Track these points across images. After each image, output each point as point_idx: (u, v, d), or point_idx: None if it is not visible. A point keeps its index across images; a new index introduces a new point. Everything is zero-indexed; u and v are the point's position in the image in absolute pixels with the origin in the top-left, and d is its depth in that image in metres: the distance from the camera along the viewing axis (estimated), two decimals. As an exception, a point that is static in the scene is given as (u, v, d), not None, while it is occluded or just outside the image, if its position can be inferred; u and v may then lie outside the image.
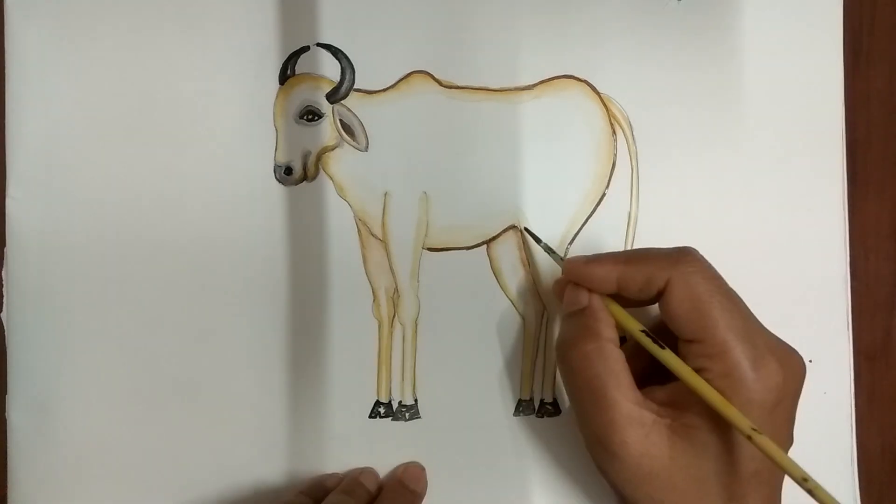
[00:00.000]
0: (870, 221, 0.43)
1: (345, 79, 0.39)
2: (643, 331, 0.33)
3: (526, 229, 0.40)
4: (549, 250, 0.39)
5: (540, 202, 0.40)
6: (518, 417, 0.40)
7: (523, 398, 0.40)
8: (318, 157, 0.39)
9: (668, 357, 0.32)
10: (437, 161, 0.40)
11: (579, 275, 0.35)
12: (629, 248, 0.41)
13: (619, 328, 0.34)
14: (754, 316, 0.33)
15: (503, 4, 0.40)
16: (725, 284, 0.33)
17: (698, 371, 0.31)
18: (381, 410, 0.40)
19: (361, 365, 0.40)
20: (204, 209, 0.39)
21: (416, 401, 0.40)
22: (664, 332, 0.33)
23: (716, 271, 0.33)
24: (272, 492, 0.39)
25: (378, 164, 0.40)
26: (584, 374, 0.33)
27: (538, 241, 0.39)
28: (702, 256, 0.33)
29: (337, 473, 0.39)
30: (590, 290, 0.35)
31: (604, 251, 0.40)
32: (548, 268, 0.40)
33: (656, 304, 0.34)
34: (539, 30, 0.40)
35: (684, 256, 0.33)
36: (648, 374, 0.34)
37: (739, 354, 0.31)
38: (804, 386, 0.38)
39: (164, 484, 0.39)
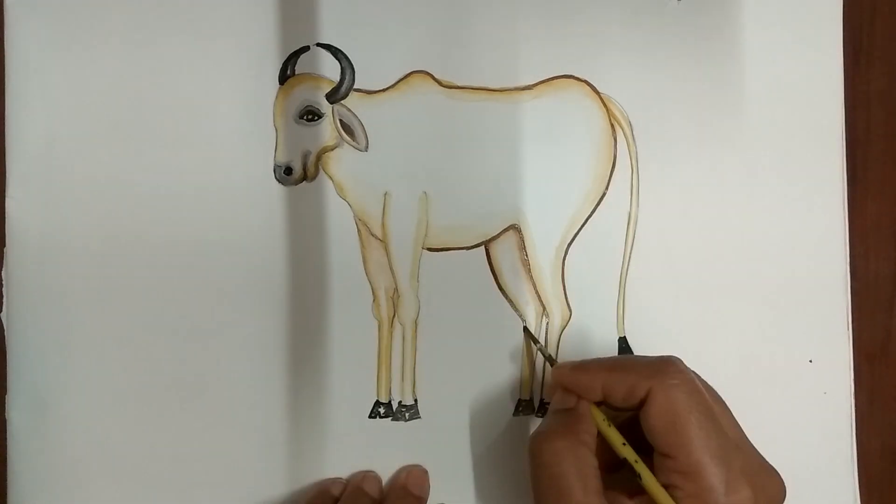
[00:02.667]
0: (870, 221, 0.43)
1: (345, 79, 0.39)
2: (625, 444, 0.33)
3: (525, 329, 0.40)
4: (544, 354, 0.39)
5: (540, 202, 0.40)
6: (518, 417, 0.40)
7: (523, 398, 0.40)
8: (318, 157, 0.39)
9: (645, 475, 0.31)
10: (437, 161, 0.40)
11: (566, 381, 0.34)
12: (629, 248, 0.41)
13: (602, 437, 0.34)
14: (737, 432, 0.32)
15: (503, 4, 0.40)
16: (707, 399, 0.32)
17: (669, 487, 0.31)
18: (381, 410, 0.40)
19: (361, 365, 0.40)
20: (204, 209, 0.39)
21: (416, 401, 0.40)
22: (642, 439, 0.33)
23: (698, 384, 0.32)
24: (272, 492, 0.39)
25: (378, 164, 0.40)
26: (553, 469, 0.31)
27: (535, 341, 0.40)
28: (685, 367, 0.33)
29: (340, 479, 0.39)
30: (578, 396, 0.34)
31: (604, 251, 0.40)
32: (548, 268, 0.40)
33: None
34: (539, 30, 0.40)
35: (667, 367, 0.32)
36: (615, 470, 0.33)
37: (713, 477, 0.30)
38: (805, 386, 0.38)
39: (164, 484, 0.39)
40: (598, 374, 0.33)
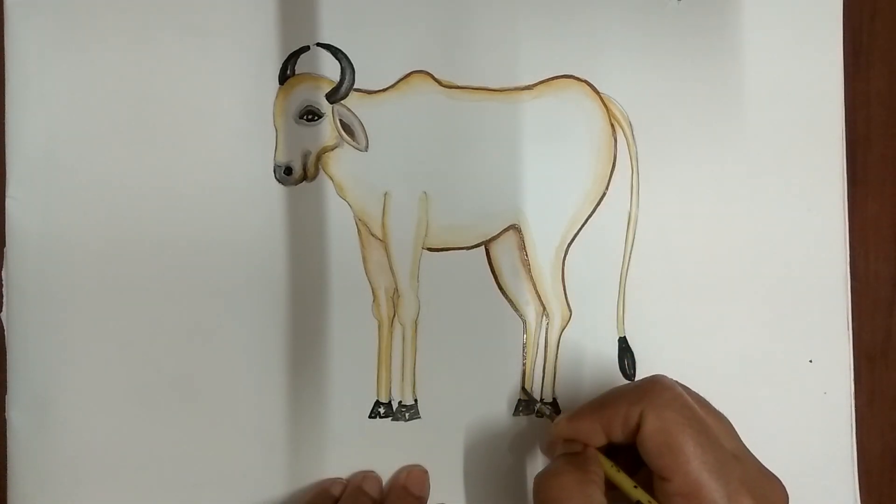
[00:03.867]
0: (870, 221, 0.43)
1: (345, 79, 0.39)
2: (636, 487, 0.32)
3: (523, 388, 0.40)
4: (545, 413, 0.39)
5: (540, 202, 0.40)
6: (518, 417, 0.40)
7: (523, 398, 0.40)
8: (318, 157, 0.39)
9: None
10: (437, 161, 0.40)
11: (567, 434, 0.34)
12: (629, 248, 0.41)
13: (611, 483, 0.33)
14: (733, 441, 0.32)
15: (503, 4, 0.40)
16: (698, 412, 0.31)
17: None
18: (381, 410, 0.40)
19: (361, 365, 0.40)
20: (204, 209, 0.39)
21: (416, 401, 0.40)
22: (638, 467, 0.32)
23: (687, 399, 0.32)
24: (272, 492, 0.39)
25: (378, 164, 0.40)
26: None
27: (535, 401, 0.40)
28: (672, 383, 0.32)
29: (340, 479, 0.39)
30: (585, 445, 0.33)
31: (604, 251, 0.40)
32: (548, 268, 0.40)
33: None
34: (539, 30, 0.40)
35: (653, 387, 0.32)
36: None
37: (713, 493, 0.29)
38: (805, 386, 0.38)
39: (164, 484, 0.39)
40: (592, 416, 0.33)
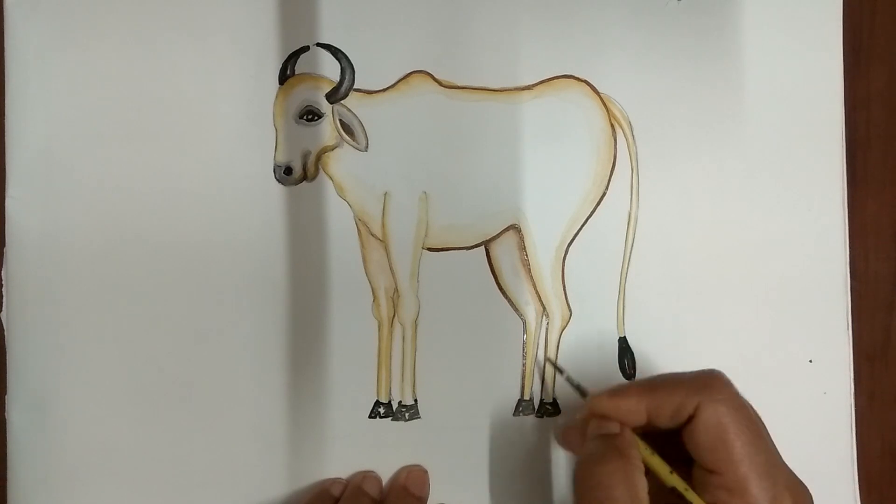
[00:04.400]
0: (870, 221, 0.43)
1: (345, 79, 0.39)
2: (672, 472, 0.32)
3: (548, 359, 0.40)
4: (573, 384, 0.38)
5: (540, 202, 0.40)
6: (518, 417, 0.40)
7: (523, 398, 0.40)
8: (318, 157, 0.39)
9: (695, 501, 0.31)
10: (437, 161, 0.40)
11: (606, 410, 0.33)
12: (629, 248, 0.41)
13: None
14: (775, 447, 0.32)
15: (503, 4, 0.40)
16: (752, 414, 0.32)
17: None
18: (381, 410, 0.40)
19: (361, 365, 0.40)
20: (204, 209, 0.39)
21: (415, 401, 0.40)
22: (672, 452, 0.32)
23: (743, 399, 0.32)
24: (272, 492, 0.39)
25: (378, 164, 0.40)
26: (606, 493, 0.30)
27: (561, 371, 0.39)
28: (730, 381, 0.33)
29: (340, 479, 0.39)
30: (621, 423, 0.33)
31: (604, 251, 0.40)
32: (548, 268, 0.40)
33: None
34: (539, 30, 0.40)
35: (713, 381, 0.32)
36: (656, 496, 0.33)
37: (760, 492, 0.30)
38: (805, 386, 0.38)
39: (164, 484, 0.39)
40: (640, 397, 0.33)
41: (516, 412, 0.40)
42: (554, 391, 0.41)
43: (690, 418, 0.32)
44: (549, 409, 0.40)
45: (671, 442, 0.33)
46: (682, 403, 0.32)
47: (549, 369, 0.40)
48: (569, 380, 0.38)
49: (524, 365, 0.40)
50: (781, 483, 0.31)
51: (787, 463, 0.33)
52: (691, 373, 0.33)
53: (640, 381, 0.35)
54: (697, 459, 0.31)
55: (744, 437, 0.31)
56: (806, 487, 0.32)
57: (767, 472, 0.30)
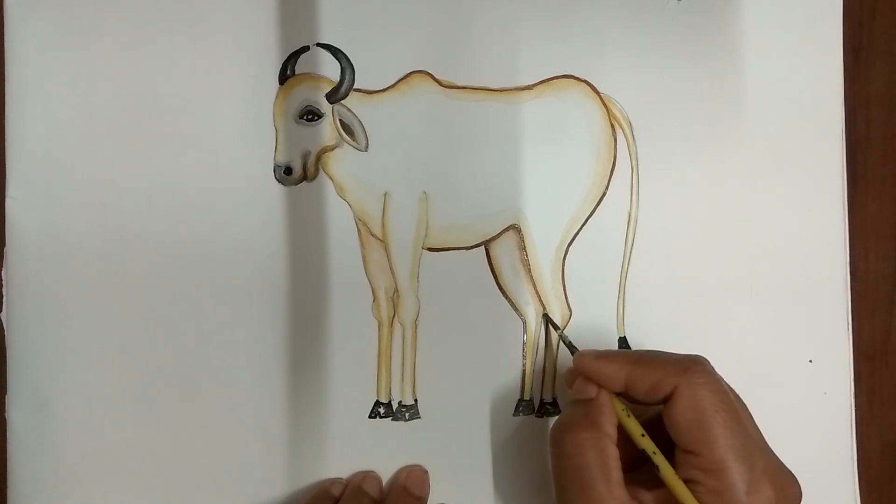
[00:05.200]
0: (870, 221, 0.43)
1: (345, 79, 0.39)
2: (644, 435, 0.33)
3: (545, 315, 0.40)
4: (565, 341, 0.39)
5: (540, 202, 0.40)
6: (518, 417, 0.40)
7: (523, 398, 0.40)
8: (318, 157, 0.39)
9: (663, 466, 0.32)
10: (437, 161, 0.40)
11: (588, 369, 0.34)
12: (629, 248, 0.41)
13: (622, 427, 0.34)
14: (758, 434, 0.33)
15: (503, 4, 0.40)
16: (732, 399, 0.32)
17: (690, 483, 0.31)
18: (381, 410, 0.40)
19: (361, 365, 0.40)
20: (204, 209, 0.39)
21: (416, 401, 0.40)
22: (663, 435, 0.33)
23: (724, 384, 0.33)
24: (272, 492, 0.39)
25: (378, 164, 0.40)
26: (575, 461, 0.32)
27: (556, 328, 0.40)
28: (712, 367, 0.33)
29: (340, 479, 0.39)
30: (599, 385, 0.34)
31: (604, 251, 0.41)
32: (548, 268, 0.40)
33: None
34: (539, 30, 0.40)
35: (694, 366, 0.33)
36: (635, 464, 0.34)
37: (735, 475, 0.30)
38: (805, 386, 0.38)
39: (164, 484, 0.39)
40: (622, 365, 0.34)
41: (516, 412, 0.40)
42: (554, 391, 0.41)
43: (667, 399, 0.32)
44: (549, 409, 0.40)
45: (661, 426, 0.33)
46: (660, 381, 0.32)
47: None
48: (562, 337, 0.39)
49: (524, 365, 0.40)
50: (759, 468, 0.31)
51: (783, 458, 0.33)
52: (676, 355, 0.34)
53: (628, 351, 0.36)
54: (676, 440, 0.32)
55: (721, 420, 0.31)
56: (793, 477, 0.33)
57: (744, 456, 0.31)
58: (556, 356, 0.41)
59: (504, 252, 0.40)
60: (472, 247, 0.40)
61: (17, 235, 0.39)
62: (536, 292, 0.40)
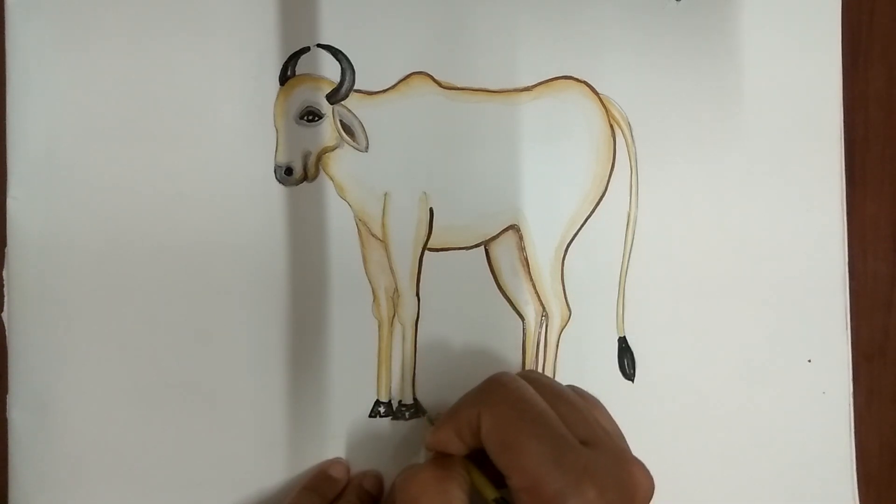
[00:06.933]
0: (868, 221, 0.43)
1: (345, 79, 0.39)
2: (496, 499, 0.31)
3: (427, 417, 0.40)
4: (428, 420, 0.39)
5: (539, 203, 0.40)
6: (518, 417, 0.40)
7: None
8: (319, 158, 0.40)
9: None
10: (436, 161, 0.40)
11: (432, 446, 0.33)
12: (629, 248, 0.41)
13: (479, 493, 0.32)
14: (588, 427, 0.30)
15: (503, 6, 0.40)
16: (537, 404, 0.30)
17: None
18: (381, 410, 0.40)
19: (361, 365, 0.40)
20: (204, 209, 0.39)
21: (416, 400, 0.40)
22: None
23: (525, 392, 0.31)
24: (272, 491, 0.39)
25: (378, 164, 0.40)
26: (418, 501, 0.30)
27: (431, 421, 0.39)
28: (510, 379, 0.31)
29: (340, 459, 0.39)
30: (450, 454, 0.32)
31: (604, 252, 0.41)
32: (547, 268, 0.40)
33: None
34: (538, 31, 0.40)
35: (490, 387, 0.31)
36: None
37: (552, 484, 0.28)
38: (804, 386, 0.38)
39: (165, 484, 0.39)
40: (446, 426, 0.32)
41: (516, 412, 0.40)
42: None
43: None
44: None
45: None
46: (469, 417, 0.30)
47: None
48: (427, 419, 0.39)
49: (524, 364, 0.40)
50: (580, 468, 0.28)
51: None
52: (477, 385, 0.32)
53: (448, 409, 0.33)
54: (502, 471, 0.30)
55: (524, 433, 0.29)
56: (636, 464, 0.30)
57: (556, 461, 0.28)
58: (556, 356, 0.41)
59: (504, 252, 0.40)
60: (471, 247, 0.40)
61: (18, 235, 0.39)
62: (536, 292, 0.40)
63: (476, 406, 0.31)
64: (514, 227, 0.40)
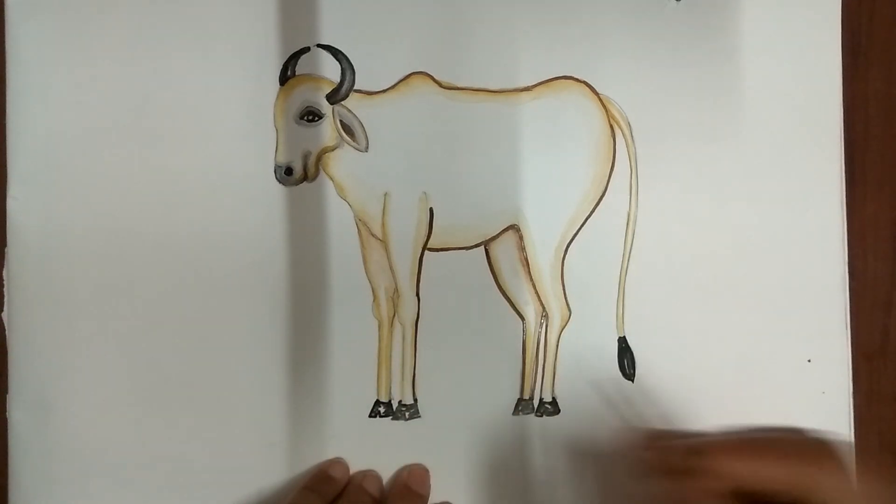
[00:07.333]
0: (868, 221, 0.43)
1: (345, 79, 0.39)
2: None
3: None
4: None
5: (539, 202, 0.40)
6: (518, 417, 0.40)
7: (523, 398, 0.40)
8: (319, 158, 0.40)
9: None
10: (437, 161, 0.40)
11: (680, 466, 0.31)
12: (628, 248, 0.41)
13: None
14: None
15: (503, 6, 0.40)
16: None
17: None
18: (381, 410, 0.40)
19: (361, 365, 0.40)
20: (204, 209, 0.39)
21: (416, 400, 0.40)
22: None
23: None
24: (272, 491, 0.39)
25: (378, 164, 0.40)
26: None
27: None
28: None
29: (340, 459, 0.39)
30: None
31: (604, 252, 0.41)
32: (547, 268, 0.40)
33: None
34: (538, 31, 0.40)
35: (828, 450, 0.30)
36: None
37: None
38: (803, 385, 0.38)
39: (164, 483, 0.39)
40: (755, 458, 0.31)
41: (516, 412, 0.40)
42: (553, 391, 0.41)
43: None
44: (548, 408, 0.40)
45: None
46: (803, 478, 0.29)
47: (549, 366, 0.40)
48: None
49: (524, 365, 0.40)
50: None
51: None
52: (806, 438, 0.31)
53: (735, 438, 0.31)
54: None
55: None
56: None
57: None
58: (556, 356, 0.41)
59: (504, 252, 0.40)
60: (471, 247, 0.40)
61: (18, 235, 0.39)
62: (536, 292, 0.40)
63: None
64: (513, 227, 0.40)
